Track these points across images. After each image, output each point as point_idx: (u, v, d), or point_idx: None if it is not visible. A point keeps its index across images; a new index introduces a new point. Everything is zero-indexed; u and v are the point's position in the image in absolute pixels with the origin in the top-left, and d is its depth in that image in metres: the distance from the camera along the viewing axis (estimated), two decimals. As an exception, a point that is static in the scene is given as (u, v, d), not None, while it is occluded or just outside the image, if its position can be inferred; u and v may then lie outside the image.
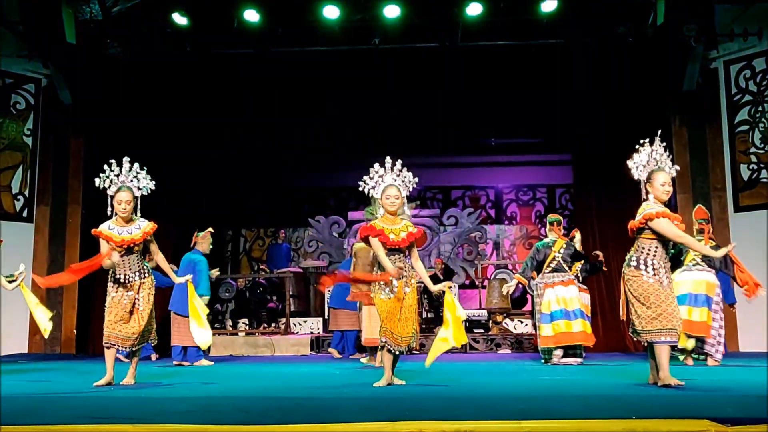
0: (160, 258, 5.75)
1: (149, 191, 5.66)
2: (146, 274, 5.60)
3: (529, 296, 9.14)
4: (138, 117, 10.71)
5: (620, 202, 9.44)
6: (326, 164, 13.67)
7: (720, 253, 5.47)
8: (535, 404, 4.11)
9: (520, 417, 3.45)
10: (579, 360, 7.56)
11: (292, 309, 11.74)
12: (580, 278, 7.99)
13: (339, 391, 5.09)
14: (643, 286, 4.97)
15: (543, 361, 7.70)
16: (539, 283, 7.85)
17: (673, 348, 5.06)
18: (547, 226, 8.08)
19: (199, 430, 3.32)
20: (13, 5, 9.63)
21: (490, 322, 10.91)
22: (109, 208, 5.53)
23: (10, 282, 7.09)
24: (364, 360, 8.10)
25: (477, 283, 12.57)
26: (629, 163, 5.12)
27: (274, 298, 11.96)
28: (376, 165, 5.42)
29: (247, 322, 11.63)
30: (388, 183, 5.37)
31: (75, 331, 10.28)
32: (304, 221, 13.91)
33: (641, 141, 5.13)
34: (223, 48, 10.10)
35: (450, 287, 5.49)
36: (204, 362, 8.30)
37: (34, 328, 10.19)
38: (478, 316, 11.35)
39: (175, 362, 8.26)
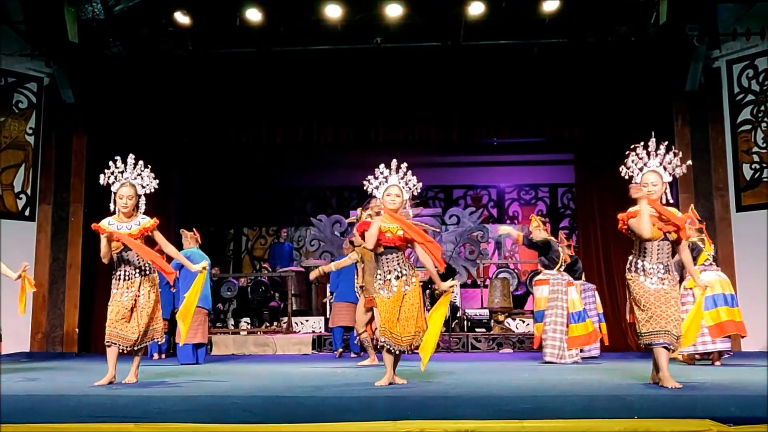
0: (170, 250, 5.75)
1: (153, 190, 5.67)
2: (148, 272, 5.57)
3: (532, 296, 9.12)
4: (140, 116, 10.73)
5: (622, 201, 9.38)
6: (328, 163, 13.69)
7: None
8: (537, 404, 4.11)
9: (522, 416, 3.45)
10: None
11: (294, 308, 11.75)
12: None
13: (341, 391, 5.09)
14: (636, 289, 5.00)
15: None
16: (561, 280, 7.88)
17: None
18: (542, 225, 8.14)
19: (200, 429, 3.33)
20: (16, 4, 9.64)
21: (492, 321, 10.91)
22: (112, 204, 5.54)
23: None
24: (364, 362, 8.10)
25: (479, 283, 12.57)
26: (623, 168, 5.13)
27: (277, 296, 11.96)
28: (381, 165, 5.45)
29: (249, 321, 11.64)
30: (391, 183, 5.41)
31: (77, 329, 10.29)
32: (306, 220, 13.92)
33: (632, 146, 5.13)
34: (225, 47, 10.09)
35: (452, 287, 5.48)
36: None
37: (35, 327, 10.22)
38: (480, 315, 11.35)
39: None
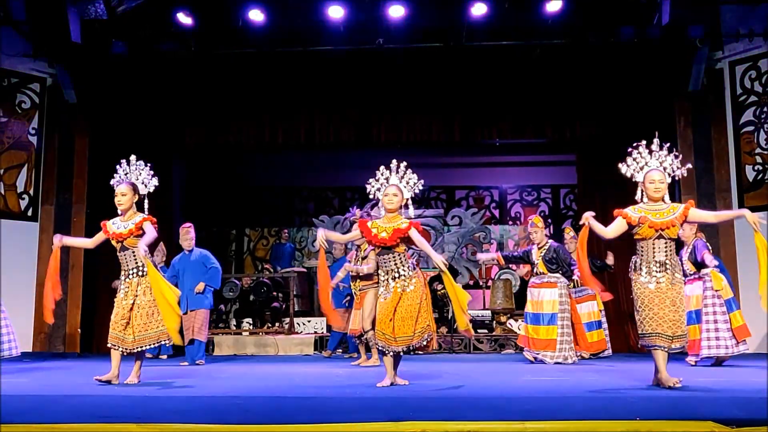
0: (145, 237, 5.48)
1: (153, 188, 5.68)
2: (146, 272, 5.52)
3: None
4: (142, 116, 10.74)
5: (625, 203, 9.36)
6: (330, 164, 13.69)
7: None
8: (539, 405, 4.11)
9: (524, 417, 3.45)
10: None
11: (296, 309, 11.74)
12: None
13: (342, 391, 5.09)
14: (634, 288, 5.04)
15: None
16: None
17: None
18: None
19: (202, 429, 3.33)
20: (19, 5, 9.65)
21: (494, 322, 10.90)
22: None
23: None
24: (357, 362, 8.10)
25: (481, 284, 12.55)
26: (622, 167, 5.14)
27: (280, 296, 11.96)
28: (382, 167, 5.45)
29: (251, 322, 11.63)
30: (390, 182, 5.44)
31: (79, 330, 10.29)
32: (308, 221, 13.92)
33: (634, 144, 5.15)
34: (228, 47, 10.10)
35: (444, 263, 5.36)
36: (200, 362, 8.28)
37: (38, 327, 10.22)
38: (482, 316, 11.34)
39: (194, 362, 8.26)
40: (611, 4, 9.38)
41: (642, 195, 5.12)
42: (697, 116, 10.14)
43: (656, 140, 5.12)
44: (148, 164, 5.72)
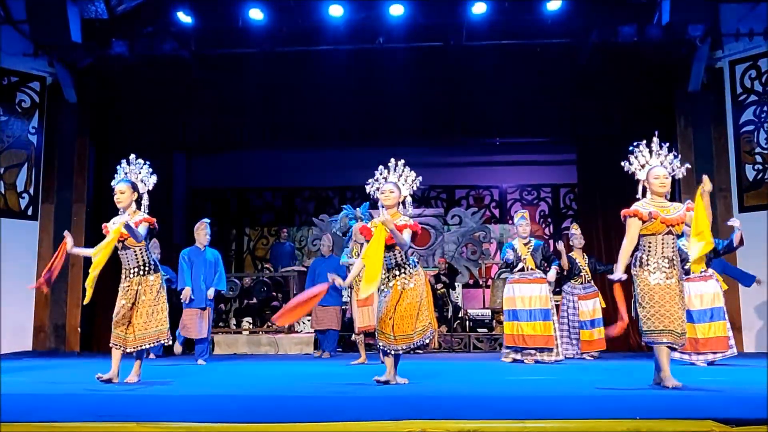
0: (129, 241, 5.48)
1: (152, 186, 5.68)
2: (147, 271, 5.52)
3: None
4: (142, 116, 10.74)
5: (625, 201, 9.36)
6: (330, 163, 13.68)
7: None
8: (539, 404, 4.11)
9: (524, 416, 3.45)
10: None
11: (296, 308, 11.72)
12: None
13: (342, 390, 5.09)
14: (639, 285, 4.98)
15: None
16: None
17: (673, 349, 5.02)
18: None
19: (203, 428, 3.33)
20: (19, 4, 9.65)
21: (494, 321, 10.91)
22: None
23: None
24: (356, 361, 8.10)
25: (481, 283, 12.56)
26: (625, 164, 5.14)
27: (279, 296, 11.96)
28: (381, 167, 5.48)
29: (251, 321, 11.64)
30: (388, 180, 5.44)
31: (79, 328, 10.30)
32: (308, 220, 13.92)
33: (635, 143, 5.15)
34: (228, 47, 10.10)
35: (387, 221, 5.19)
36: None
37: (38, 325, 10.23)
38: (482, 315, 11.35)
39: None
40: (611, 3, 9.39)
41: (644, 192, 5.09)
42: (697, 115, 10.13)
43: (656, 140, 5.12)
44: (147, 162, 5.72)
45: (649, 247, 4.96)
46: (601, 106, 10.54)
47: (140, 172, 5.67)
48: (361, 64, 10.28)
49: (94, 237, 8.98)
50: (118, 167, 5.70)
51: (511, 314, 7.80)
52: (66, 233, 5.79)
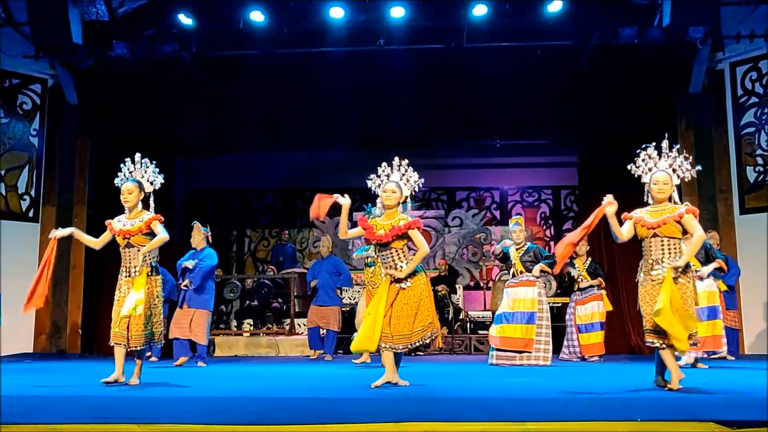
0: (156, 239, 5.49)
1: (159, 185, 5.68)
2: (149, 272, 5.51)
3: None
4: (144, 118, 10.75)
5: (626, 204, 9.37)
6: (331, 165, 13.68)
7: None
8: (541, 406, 4.11)
9: (525, 419, 3.45)
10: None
11: (297, 310, 11.74)
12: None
13: (344, 392, 5.09)
14: (640, 288, 5.00)
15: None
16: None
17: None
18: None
19: (203, 430, 3.33)
20: (20, 6, 9.66)
21: (495, 323, 10.90)
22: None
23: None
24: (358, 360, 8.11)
25: (481, 285, 12.56)
26: (632, 167, 5.14)
27: (279, 300, 11.96)
28: (384, 164, 5.46)
29: (252, 323, 11.64)
30: (390, 179, 5.41)
31: (80, 330, 10.31)
32: (309, 222, 13.92)
33: (643, 145, 5.14)
34: (229, 49, 10.11)
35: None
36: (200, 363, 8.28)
37: (39, 327, 10.24)
38: (483, 317, 11.35)
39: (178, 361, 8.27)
40: (612, 5, 9.39)
41: (647, 196, 5.09)
42: (698, 117, 10.14)
43: (665, 141, 5.11)
44: (153, 162, 5.72)
45: (643, 251, 5.03)
46: (601, 108, 10.53)
47: (146, 172, 5.66)
48: (361, 66, 10.28)
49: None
50: (122, 166, 5.68)
51: (501, 317, 7.80)
52: (52, 231, 5.76)
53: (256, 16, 9.47)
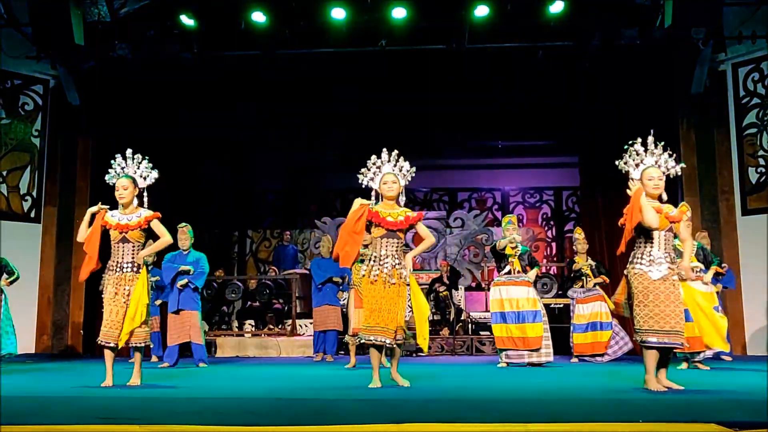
0: (160, 241, 5.55)
1: (152, 181, 5.63)
2: (141, 269, 5.47)
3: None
4: (145, 118, 10.76)
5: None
6: (332, 165, 13.70)
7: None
8: (542, 407, 4.10)
9: (526, 420, 3.44)
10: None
11: (299, 310, 11.75)
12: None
13: (345, 393, 5.08)
14: (641, 282, 4.87)
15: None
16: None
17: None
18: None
19: (204, 430, 3.33)
20: (22, 7, 9.67)
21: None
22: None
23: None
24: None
25: (483, 285, 12.56)
26: (619, 163, 5.11)
27: (281, 300, 11.97)
28: (374, 157, 5.41)
29: (253, 324, 11.64)
30: (385, 171, 5.36)
31: (82, 331, 10.32)
32: (311, 223, 13.94)
33: (630, 141, 5.12)
34: (231, 49, 10.12)
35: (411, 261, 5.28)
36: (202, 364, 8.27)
37: (40, 328, 10.25)
38: (484, 318, 11.33)
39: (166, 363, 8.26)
40: (614, 6, 9.38)
41: None
42: (700, 118, 10.13)
43: (651, 138, 5.10)
44: (146, 157, 5.67)
45: (652, 242, 4.91)
46: (603, 109, 10.53)
47: (139, 168, 5.60)
48: (363, 66, 10.28)
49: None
50: (112, 162, 5.59)
51: (499, 316, 7.81)
52: (90, 209, 5.65)
53: (258, 17, 9.47)
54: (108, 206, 5.59)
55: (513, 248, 7.96)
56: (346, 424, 3.39)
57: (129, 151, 5.64)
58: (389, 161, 5.40)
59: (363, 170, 5.44)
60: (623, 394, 4.91)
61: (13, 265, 8.53)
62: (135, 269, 5.45)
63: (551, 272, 12.37)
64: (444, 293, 11.17)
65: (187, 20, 9.56)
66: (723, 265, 7.79)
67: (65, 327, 10.31)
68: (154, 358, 9.24)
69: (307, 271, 12.88)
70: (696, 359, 7.18)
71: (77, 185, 10.58)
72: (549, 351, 7.77)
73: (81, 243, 5.64)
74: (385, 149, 5.42)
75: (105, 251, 5.53)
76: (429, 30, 9.74)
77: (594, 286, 8.77)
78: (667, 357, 4.97)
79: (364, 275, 5.27)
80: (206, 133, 11.16)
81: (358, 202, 5.34)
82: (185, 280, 8.18)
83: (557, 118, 10.80)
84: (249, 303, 11.95)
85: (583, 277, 8.79)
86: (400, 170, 5.39)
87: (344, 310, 9.83)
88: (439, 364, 8.38)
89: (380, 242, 5.25)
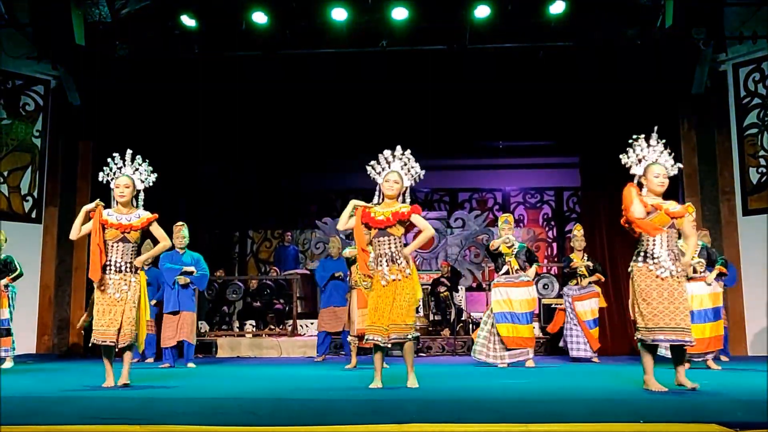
0: (160, 246, 5.55)
1: (150, 184, 5.63)
2: (138, 270, 5.45)
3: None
4: (146, 119, 10.76)
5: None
6: (333, 166, 13.70)
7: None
8: (543, 407, 4.10)
9: (527, 420, 3.44)
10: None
11: (299, 311, 11.75)
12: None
13: (346, 394, 5.08)
14: (644, 280, 4.86)
15: None
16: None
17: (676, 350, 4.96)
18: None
19: (205, 431, 3.33)
20: (24, 7, 9.68)
21: (497, 324, 10.88)
22: (112, 200, 5.55)
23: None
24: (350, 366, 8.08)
25: (484, 286, 12.55)
26: (623, 157, 5.09)
27: (281, 301, 11.97)
28: (386, 151, 5.37)
29: (254, 324, 11.64)
30: (391, 169, 5.32)
31: (83, 331, 10.30)
32: (312, 223, 13.94)
33: (634, 136, 5.12)
34: (231, 50, 10.12)
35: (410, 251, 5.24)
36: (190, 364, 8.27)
37: (41, 328, 10.25)
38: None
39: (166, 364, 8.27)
40: (614, 6, 9.38)
41: (639, 188, 4.99)
42: (701, 119, 10.13)
43: (654, 134, 5.10)
44: (146, 160, 5.67)
45: (652, 241, 4.88)
46: (604, 109, 10.52)
47: (138, 170, 5.58)
48: (364, 67, 10.28)
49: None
50: (109, 160, 5.56)
51: (508, 316, 7.78)
52: (85, 207, 5.60)
53: (259, 18, 9.47)
54: (104, 203, 5.57)
55: (509, 247, 7.96)
56: (346, 425, 3.39)
57: (129, 152, 5.64)
58: (399, 159, 5.35)
59: (372, 163, 5.39)
60: (624, 394, 4.91)
61: (18, 263, 8.54)
62: (134, 270, 5.43)
63: (552, 272, 12.36)
64: (445, 294, 11.17)
65: (187, 21, 9.56)
66: (726, 260, 7.79)
67: (66, 327, 10.31)
68: (149, 360, 9.25)
69: (308, 272, 12.91)
70: (705, 359, 7.20)
71: (78, 185, 10.59)
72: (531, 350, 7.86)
73: (73, 240, 5.65)
74: (398, 147, 5.38)
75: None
76: (430, 30, 9.74)
77: (588, 284, 8.76)
78: (681, 355, 4.93)
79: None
80: (206, 133, 11.15)
81: (351, 204, 5.32)
82: (188, 279, 8.19)
83: (558, 119, 10.79)
84: (250, 302, 11.94)
85: (578, 276, 8.79)
86: (408, 171, 5.35)
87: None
88: (440, 365, 8.37)
89: (375, 242, 5.24)
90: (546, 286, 10.59)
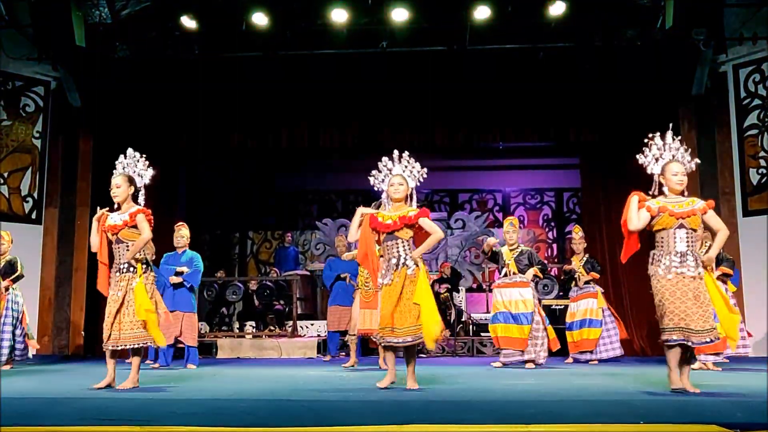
0: (139, 239, 5.38)
1: (149, 180, 5.58)
2: (137, 269, 5.40)
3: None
4: (146, 120, 10.76)
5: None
6: (333, 167, 13.70)
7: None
8: (543, 408, 4.10)
9: (527, 421, 3.44)
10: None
11: (299, 312, 11.74)
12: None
13: (346, 394, 5.08)
14: (653, 283, 4.87)
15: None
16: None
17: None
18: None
19: (205, 432, 3.33)
20: (24, 8, 9.68)
21: (498, 325, 10.88)
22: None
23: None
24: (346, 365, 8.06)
25: (484, 287, 12.55)
26: (640, 158, 5.08)
27: (282, 302, 11.96)
28: (385, 158, 5.41)
29: (254, 325, 11.64)
30: (394, 173, 5.37)
31: (83, 332, 10.31)
32: (312, 224, 13.94)
33: (650, 135, 5.11)
34: (231, 51, 10.11)
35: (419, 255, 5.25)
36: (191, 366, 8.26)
37: (42, 329, 10.24)
38: (486, 319, 11.32)
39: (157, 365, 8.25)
40: (614, 7, 9.38)
41: (658, 188, 4.97)
42: (701, 120, 10.12)
43: (669, 132, 5.08)
44: (144, 156, 5.66)
45: (661, 243, 4.88)
46: (604, 110, 10.53)
47: (137, 166, 5.55)
48: (364, 68, 10.28)
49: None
50: (116, 162, 5.59)
51: (500, 317, 7.86)
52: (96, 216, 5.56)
53: (259, 19, 9.47)
54: (107, 208, 5.57)
55: (511, 251, 8.00)
56: (346, 426, 3.39)
57: (129, 151, 5.64)
58: (399, 162, 5.40)
59: (374, 172, 5.44)
60: (624, 395, 4.91)
61: (22, 264, 8.52)
62: (132, 270, 5.39)
63: (552, 273, 12.36)
64: (445, 295, 11.17)
65: (188, 22, 9.56)
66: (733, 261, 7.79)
67: (66, 328, 10.30)
68: (149, 361, 9.24)
69: (308, 273, 12.90)
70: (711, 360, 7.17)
71: (78, 186, 10.57)
72: (544, 354, 7.81)
73: (90, 248, 5.68)
74: (395, 150, 5.42)
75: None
76: (430, 31, 9.74)
77: (586, 283, 8.75)
78: (690, 356, 4.92)
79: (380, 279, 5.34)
80: (206, 134, 11.15)
81: (359, 211, 5.34)
82: (180, 279, 8.18)
83: (558, 119, 10.79)
84: (250, 302, 11.94)
85: (575, 277, 8.79)
86: (410, 172, 5.38)
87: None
88: (440, 366, 8.37)
89: (384, 246, 5.31)
90: (546, 287, 10.59)
